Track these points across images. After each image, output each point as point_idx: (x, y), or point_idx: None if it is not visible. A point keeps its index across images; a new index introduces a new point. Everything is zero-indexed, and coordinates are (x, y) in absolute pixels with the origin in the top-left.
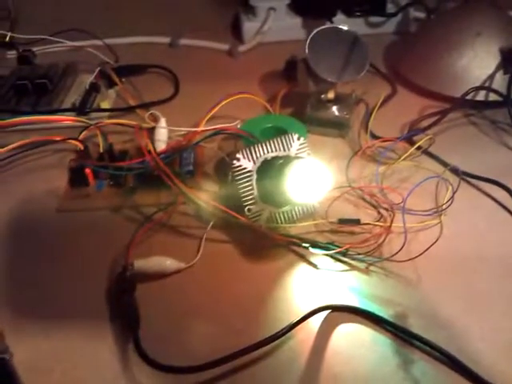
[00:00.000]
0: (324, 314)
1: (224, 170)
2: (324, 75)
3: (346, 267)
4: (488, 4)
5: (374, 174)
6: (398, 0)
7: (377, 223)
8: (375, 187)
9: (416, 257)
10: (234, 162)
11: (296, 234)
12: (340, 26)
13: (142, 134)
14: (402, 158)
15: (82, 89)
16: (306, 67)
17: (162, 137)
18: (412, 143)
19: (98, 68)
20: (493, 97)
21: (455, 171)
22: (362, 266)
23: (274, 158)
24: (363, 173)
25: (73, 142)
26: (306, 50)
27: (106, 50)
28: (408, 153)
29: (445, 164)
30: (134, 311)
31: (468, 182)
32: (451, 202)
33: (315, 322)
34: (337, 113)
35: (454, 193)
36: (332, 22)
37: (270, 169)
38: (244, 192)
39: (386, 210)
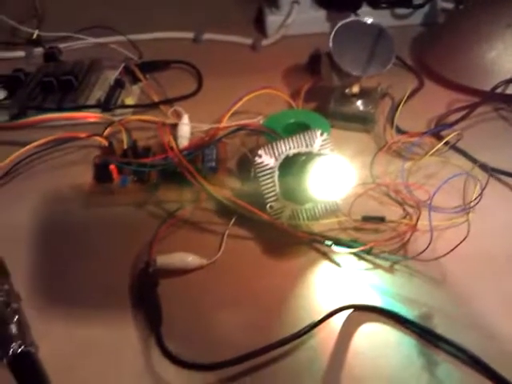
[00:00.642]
0: (346, 313)
1: (246, 166)
2: (348, 69)
3: (369, 266)
4: None
5: (400, 170)
6: None
7: (402, 221)
8: (401, 184)
9: (442, 256)
10: (256, 158)
11: (318, 231)
12: (365, 19)
13: (164, 130)
14: (429, 153)
15: (106, 85)
16: (330, 61)
17: (185, 133)
18: (439, 138)
19: (123, 64)
20: None
21: (484, 167)
22: (387, 264)
23: (296, 155)
24: (388, 169)
25: (97, 138)
26: (330, 44)
27: (129, 47)
28: (435, 148)
29: (473, 160)
30: (156, 307)
31: (497, 179)
32: (479, 200)
33: (337, 321)
34: (361, 107)
35: (482, 190)
36: (357, 15)
37: (292, 165)
38: (266, 189)
39: (412, 207)
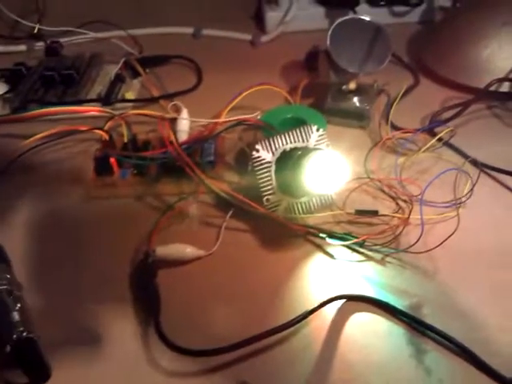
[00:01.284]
0: (339, 303)
1: (244, 160)
2: (345, 66)
3: (362, 258)
4: None
5: (394, 165)
6: None
7: (395, 214)
8: (394, 179)
9: (433, 248)
10: (253, 153)
11: (313, 224)
12: (362, 17)
13: (164, 124)
14: (423, 149)
15: (107, 79)
16: (328, 58)
17: (184, 127)
18: (433, 135)
19: (123, 59)
20: None
21: (475, 163)
22: (379, 256)
23: (293, 150)
24: (382, 164)
25: (98, 132)
26: (328, 41)
27: (130, 41)
28: (428, 144)
29: (465, 156)
30: (155, 296)
31: (488, 175)
32: (470, 195)
33: (330, 310)
34: (357, 104)
35: (473, 185)
36: (355, 12)
37: (288, 160)
38: (263, 182)
39: (405, 201)
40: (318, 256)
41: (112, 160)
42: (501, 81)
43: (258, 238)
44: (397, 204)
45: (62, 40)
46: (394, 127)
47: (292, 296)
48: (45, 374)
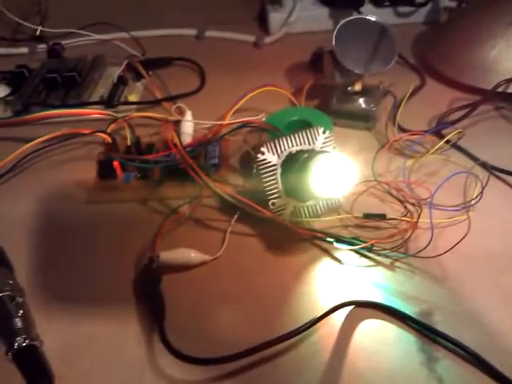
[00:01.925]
0: (347, 309)
1: (249, 163)
2: (351, 67)
3: (370, 263)
4: None
5: (401, 168)
6: None
7: (403, 218)
8: (402, 181)
9: (443, 253)
10: (259, 155)
11: (320, 228)
12: (367, 17)
13: (168, 127)
14: (431, 151)
15: (109, 82)
16: (333, 59)
17: (188, 130)
18: (441, 137)
19: (126, 61)
20: None
21: (484, 166)
22: (387, 261)
23: (299, 152)
24: (390, 167)
25: (101, 134)
26: (333, 42)
27: (133, 43)
28: (436, 147)
29: (474, 158)
30: (159, 302)
31: (498, 177)
32: (480, 198)
33: (338, 317)
34: (363, 105)
35: (483, 188)
36: (360, 13)
37: (294, 163)
38: (268, 186)
39: (413, 205)
40: (326, 261)
41: (115, 163)
42: (509, 81)
43: (263, 243)
44: (405, 207)
45: (64, 42)
46: (401, 129)
47: (299, 302)
48: (47, 381)
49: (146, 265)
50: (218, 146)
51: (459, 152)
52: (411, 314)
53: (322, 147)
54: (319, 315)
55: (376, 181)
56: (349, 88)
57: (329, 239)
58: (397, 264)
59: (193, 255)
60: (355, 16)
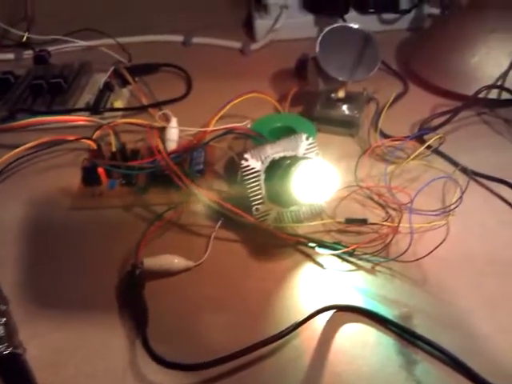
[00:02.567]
0: (329, 313)
1: (233, 169)
2: (334, 74)
3: (352, 267)
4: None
5: (383, 173)
6: None
7: (384, 223)
8: (383, 187)
9: (422, 257)
10: (242, 161)
11: (303, 233)
12: (351, 24)
13: (153, 133)
14: (412, 157)
15: (96, 88)
16: (317, 66)
17: (173, 136)
18: (422, 142)
19: (112, 67)
20: (506, 95)
21: (465, 171)
22: (368, 266)
23: (282, 158)
24: (372, 172)
25: (86, 141)
26: (317, 49)
27: (119, 50)
28: (417, 152)
29: (455, 163)
30: (142, 309)
31: (478, 182)
32: (460, 202)
33: (320, 321)
34: (347, 112)
35: (462, 193)
36: (344, 20)
37: (277, 169)
38: (252, 192)
39: (394, 209)
40: (308, 266)
41: (100, 170)
42: (490, 88)
43: (247, 248)
44: (386, 212)
45: (50, 48)
46: (384, 135)
47: (282, 306)
48: None
49: (129, 271)
50: (203, 152)
51: (440, 157)
52: (391, 318)
53: (304, 153)
54: (301, 319)
55: (358, 186)
56: (332, 95)
57: (311, 244)
58: (378, 268)
59: (176, 261)
60: (339, 24)
